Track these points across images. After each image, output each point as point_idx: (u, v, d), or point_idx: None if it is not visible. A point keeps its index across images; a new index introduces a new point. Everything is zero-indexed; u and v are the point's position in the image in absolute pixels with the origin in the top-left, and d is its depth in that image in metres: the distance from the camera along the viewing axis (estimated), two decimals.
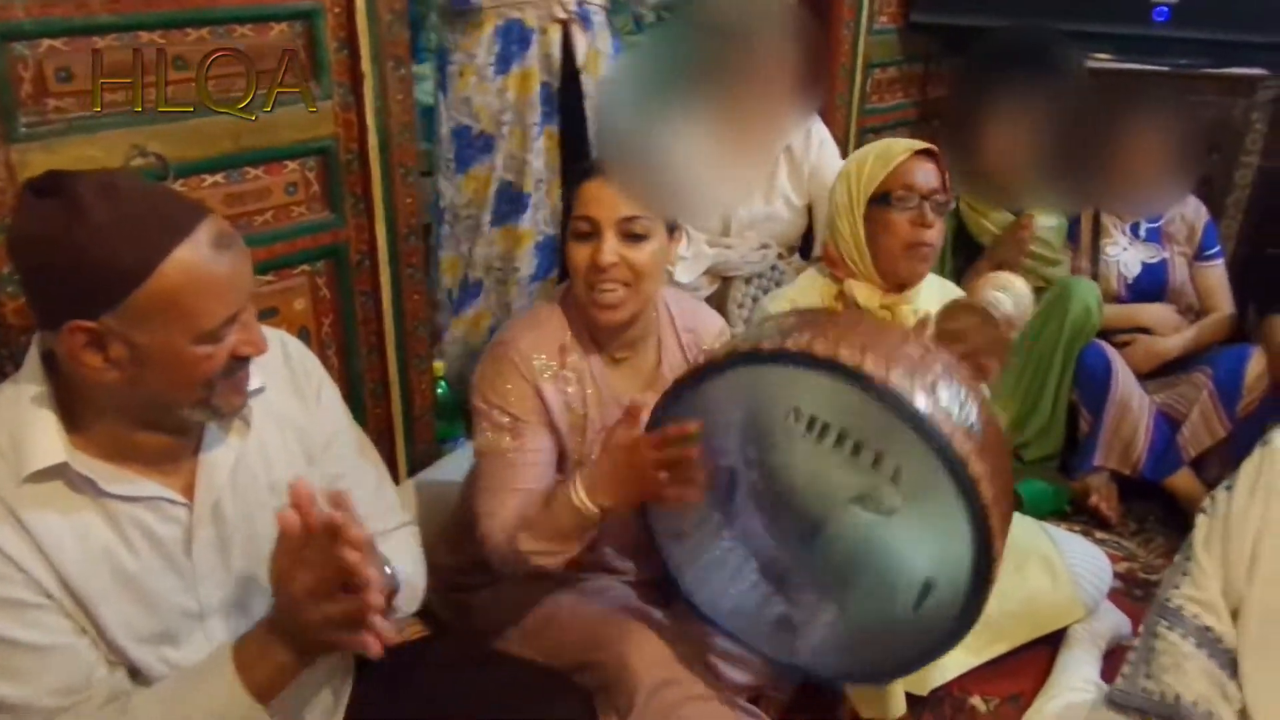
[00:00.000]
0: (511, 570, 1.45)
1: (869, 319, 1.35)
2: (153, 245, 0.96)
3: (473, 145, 2.08)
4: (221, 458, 1.13)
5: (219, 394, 1.06)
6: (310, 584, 1.00)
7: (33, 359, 1.05)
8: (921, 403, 1.14)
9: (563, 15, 2.04)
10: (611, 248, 1.43)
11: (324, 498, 1.04)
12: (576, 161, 2.14)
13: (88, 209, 0.94)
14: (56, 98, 1.36)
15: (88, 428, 1.05)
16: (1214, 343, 2.48)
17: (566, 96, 2.12)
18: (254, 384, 1.14)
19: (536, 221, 2.12)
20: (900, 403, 1.14)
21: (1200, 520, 1.51)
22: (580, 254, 1.45)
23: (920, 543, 1.29)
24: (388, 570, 1.16)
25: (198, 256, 0.98)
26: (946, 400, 1.18)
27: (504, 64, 2.02)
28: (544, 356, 1.48)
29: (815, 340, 1.19)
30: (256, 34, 1.51)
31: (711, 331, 1.67)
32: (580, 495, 1.35)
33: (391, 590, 1.17)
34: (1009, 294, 1.68)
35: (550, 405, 1.48)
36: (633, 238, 1.44)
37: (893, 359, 1.17)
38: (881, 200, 1.77)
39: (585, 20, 2.09)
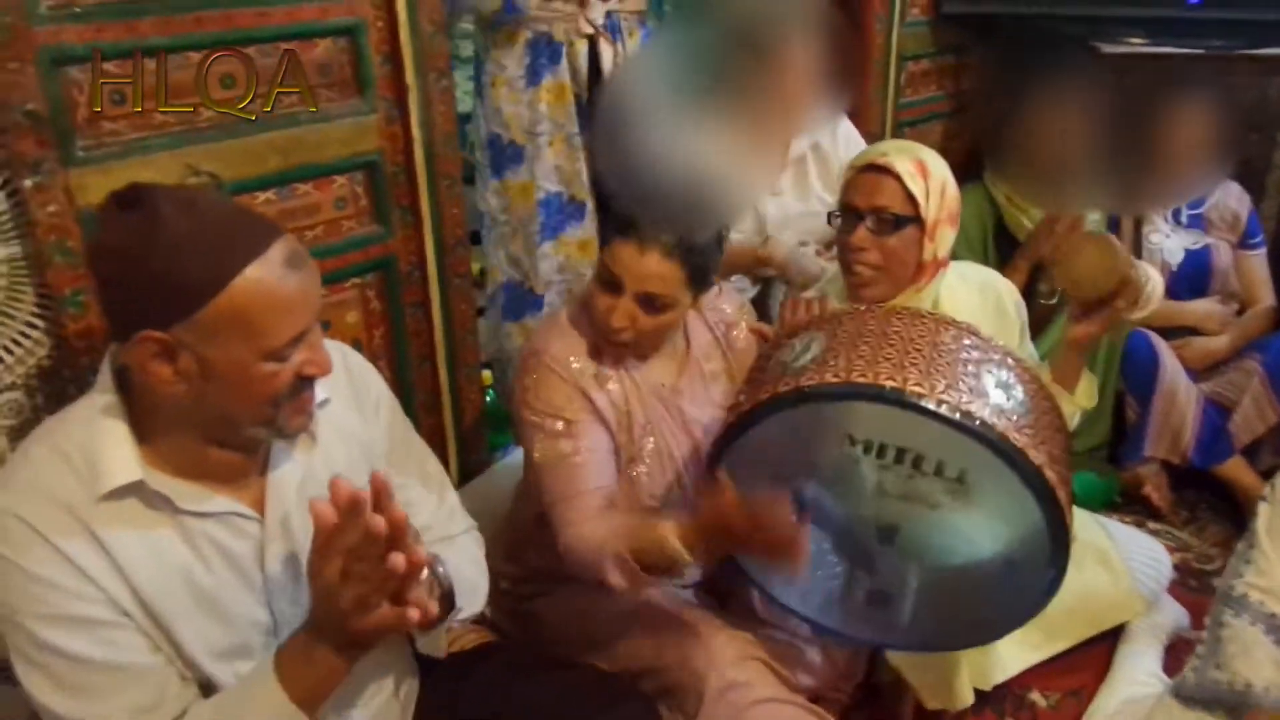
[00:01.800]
0: (593, 580, 1.43)
1: (896, 318, 1.30)
2: (227, 261, 0.98)
3: (504, 154, 2.09)
4: (289, 473, 1.14)
5: (284, 414, 1.07)
6: (340, 568, 0.99)
7: (105, 376, 1.07)
8: (972, 407, 1.16)
9: (589, 30, 2.05)
10: (625, 311, 1.44)
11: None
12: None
13: (167, 222, 0.96)
14: (111, 120, 1.37)
15: (160, 444, 1.06)
16: (1259, 334, 2.46)
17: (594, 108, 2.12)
18: (319, 397, 1.15)
19: (590, 230, 2.13)
20: (951, 416, 1.15)
21: (1263, 507, 1.49)
22: (601, 301, 1.46)
23: (997, 527, 1.29)
24: (440, 570, 1.18)
25: (269, 275, 0.99)
26: (993, 392, 1.19)
27: (534, 76, 2.03)
28: (580, 359, 1.49)
29: (853, 365, 1.20)
30: (303, 50, 1.51)
31: (733, 303, 1.68)
32: (674, 543, 1.32)
33: (447, 590, 1.19)
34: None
35: (597, 403, 1.48)
36: (651, 307, 1.44)
37: (933, 366, 1.18)
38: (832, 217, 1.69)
39: (613, 32, 2.09)
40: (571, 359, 1.49)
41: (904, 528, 1.34)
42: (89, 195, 1.35)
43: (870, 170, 1.66)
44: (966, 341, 1.26)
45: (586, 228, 2.12)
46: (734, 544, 1.32)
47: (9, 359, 1.34)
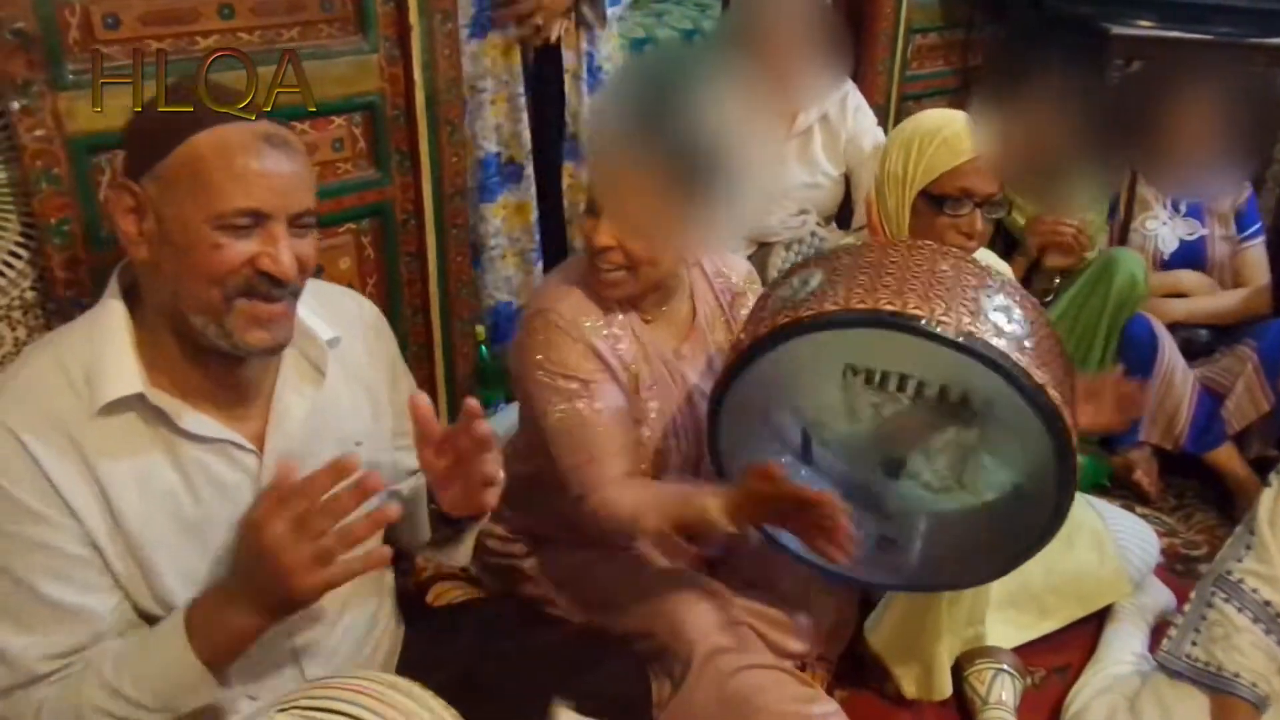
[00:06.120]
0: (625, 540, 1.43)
1: (892, 249, 1.27)
2: (200, 115, 0.98)
3: None
4: (295, 406, 1.10)
5: (234, 314, 0.99)
6: (294, 520, 0.94)
7: (113, 290, 1.03)
8: (972, 328, 1.14)
9: None
10: (609, 230, 1.38)
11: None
12: (557, 138, 2.07)
13: (178, 86, 1.04)
14: (104, 45, 1.32)
15: (162, 362, 1.02)
16: (1252, 315, 2.43)
17: (546, 68, 2.03)
18: (328, 334, 1.12)
19: (532, 195, 2.06)
20: (953, 337, 1.14)
21: (1266, 493, 1.49)
22: (585, 228, 1.42)
23: (1004, 452, 1.29)
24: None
25: (238, 139, 0.98)
26: (993, 314, 1.18)
27: (480, 28, 1.89)
28: (589, 317, 1.45)
29: (851, 294, 1.18)
30: None
31: (740, 272, 1.63)
32: (718, 517, 1.30)
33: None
34: None
35: (609, 361, 1.44)
36: None
37: (931, 291, 1.17)
38: (934, 199, 1.57)
39: None
40: (581, 317, 1.44)
41: (910, 459, 1.33)
42: (78, 122, 1.31)
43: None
44: (965, 268, 1.24)
45: (523, 190, 2.03)
46: (774, 519, 1.31)
47: None
